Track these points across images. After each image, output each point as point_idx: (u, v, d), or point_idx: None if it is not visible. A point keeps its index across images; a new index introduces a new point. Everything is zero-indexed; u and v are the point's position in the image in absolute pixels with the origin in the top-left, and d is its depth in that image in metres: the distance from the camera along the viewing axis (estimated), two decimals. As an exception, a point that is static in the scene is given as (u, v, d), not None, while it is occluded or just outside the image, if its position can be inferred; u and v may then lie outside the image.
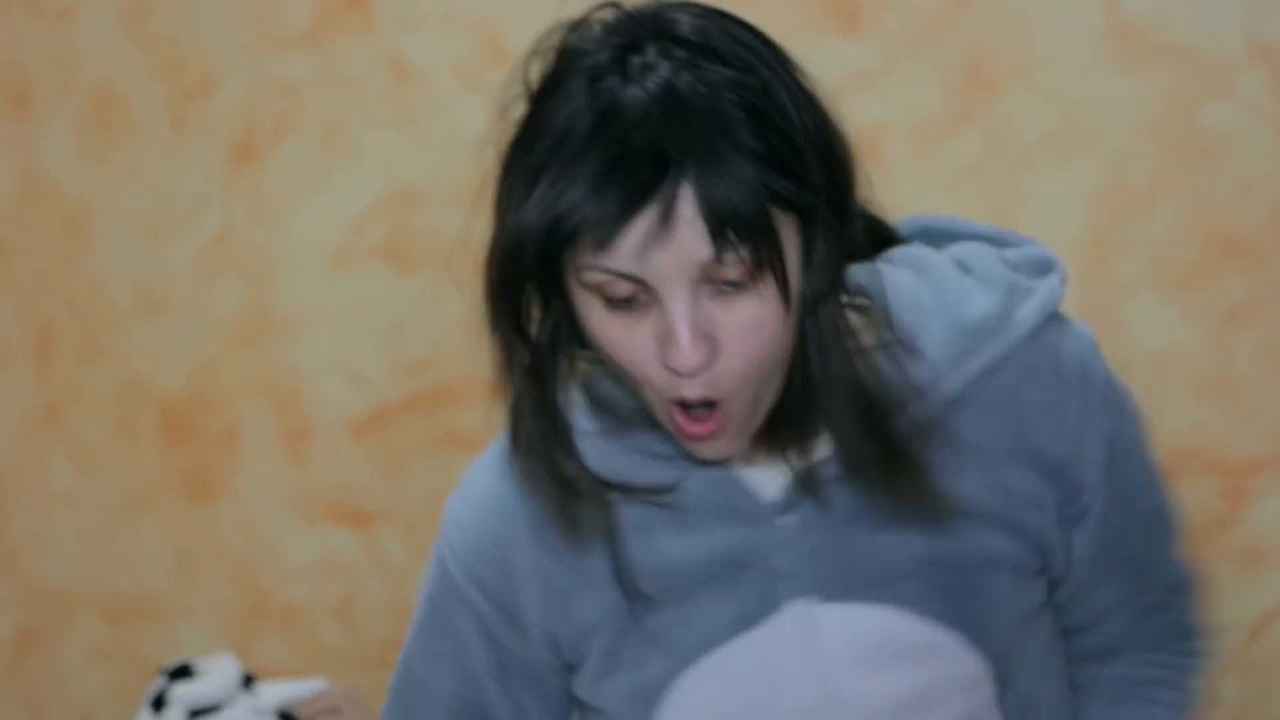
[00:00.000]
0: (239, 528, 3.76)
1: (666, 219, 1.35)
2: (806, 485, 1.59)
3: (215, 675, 3.44)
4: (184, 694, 3.42)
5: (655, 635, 1.65)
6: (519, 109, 1.46)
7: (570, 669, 1.73)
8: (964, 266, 1.61)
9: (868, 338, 1.55)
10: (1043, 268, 1.63)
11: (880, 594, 1.62)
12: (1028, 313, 1.60)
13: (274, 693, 3.44)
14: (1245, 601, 3.31)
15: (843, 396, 1.54)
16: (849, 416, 1.54)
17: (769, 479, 1.60)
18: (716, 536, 1.60)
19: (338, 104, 3.61)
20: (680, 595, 1.63)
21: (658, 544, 1.60)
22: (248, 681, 3.46)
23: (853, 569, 1.62)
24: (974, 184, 3.45)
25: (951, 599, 1.64)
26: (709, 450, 1.53)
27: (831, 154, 1.45)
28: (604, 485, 1.59)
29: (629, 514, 1.60)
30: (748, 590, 1.62)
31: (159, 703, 3.42)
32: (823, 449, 1.59)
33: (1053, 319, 1.61)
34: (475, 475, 1.75)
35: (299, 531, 3.76)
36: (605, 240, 1.37)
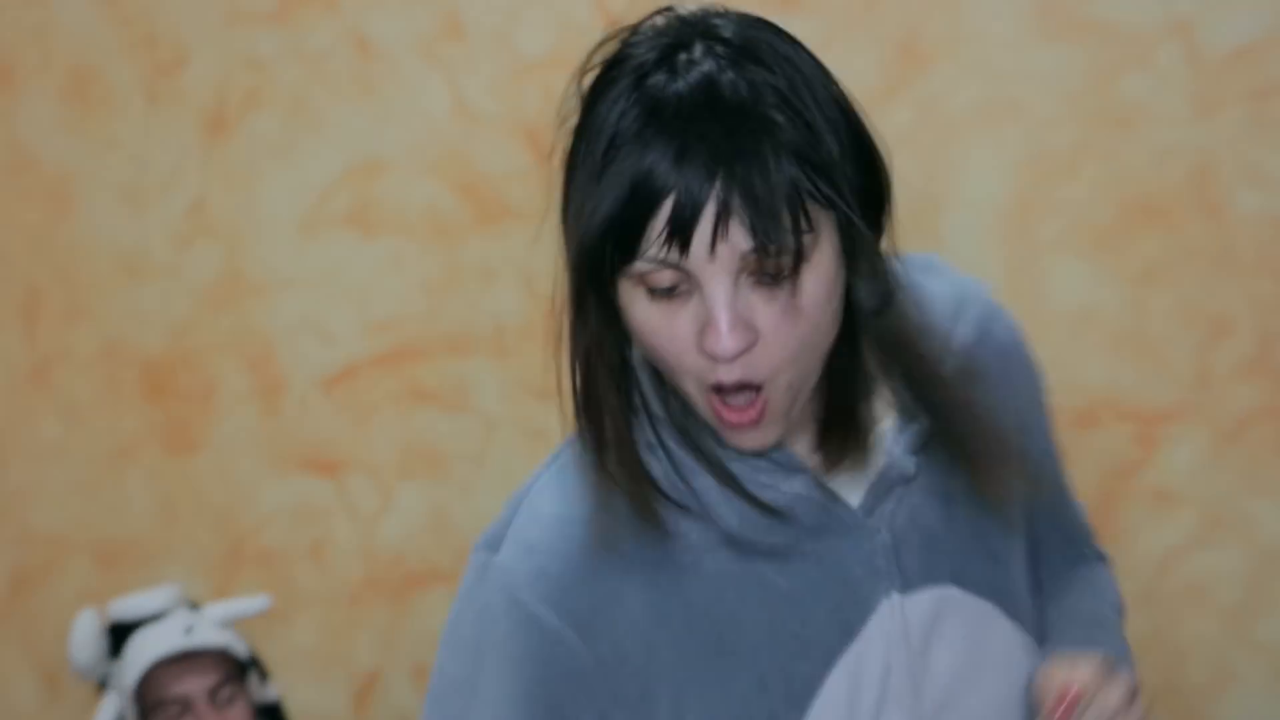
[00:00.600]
0: (218, 477, 3.73)
1: (725, 214, 1.35)
2: (884, 486, 1.58)
3: (159, 596, 3.31)
4: (125, 606, 3.30)
5: (767, 637, 1.59)
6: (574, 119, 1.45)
7: None
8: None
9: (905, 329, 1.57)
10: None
11: (944, 574, 1.62)
12: (978, 301, 1.67)
13: (218, 609, 3.32)
14: (1154, 539, 3.32)
15: (908, 371, 1.57)
16: (917, 387, 1.57)
17: (846, 487, 1.58)
18: (805, 537, 1.58)
19: (304, 79, 3.56)
20: (779, 583, 1.59)
21: (754, 546, 1.56)
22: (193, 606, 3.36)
23: (925, 557, 1.61)
24: (906, 153, 3.37)
25: (987, 562, 1.66)
26: (749, 440, 1.49)
27: (865, 159, 1.44)
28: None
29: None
30: (839, 587, 1.60)
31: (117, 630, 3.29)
32: (882, 456, 1.58)
33: (998, 310, 1.66)
34: (541, 507, 1.65)
35: (273, 480, 3.73)
36: (644, 238, 1.37)
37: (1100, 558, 1.91)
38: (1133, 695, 1.61)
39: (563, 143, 1.46)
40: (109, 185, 3.79)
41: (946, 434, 1.57)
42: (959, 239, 3.55)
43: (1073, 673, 1.57)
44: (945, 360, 1.58)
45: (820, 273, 1.38)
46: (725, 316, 1.34)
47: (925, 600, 1.57)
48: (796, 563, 1.53)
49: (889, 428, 1.57)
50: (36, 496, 3.86)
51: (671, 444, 1.51)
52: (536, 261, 1.61)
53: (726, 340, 1.34)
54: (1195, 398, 3.40)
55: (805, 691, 1.53)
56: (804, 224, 1.34)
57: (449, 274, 3.66)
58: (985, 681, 1.65)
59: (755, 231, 1.32)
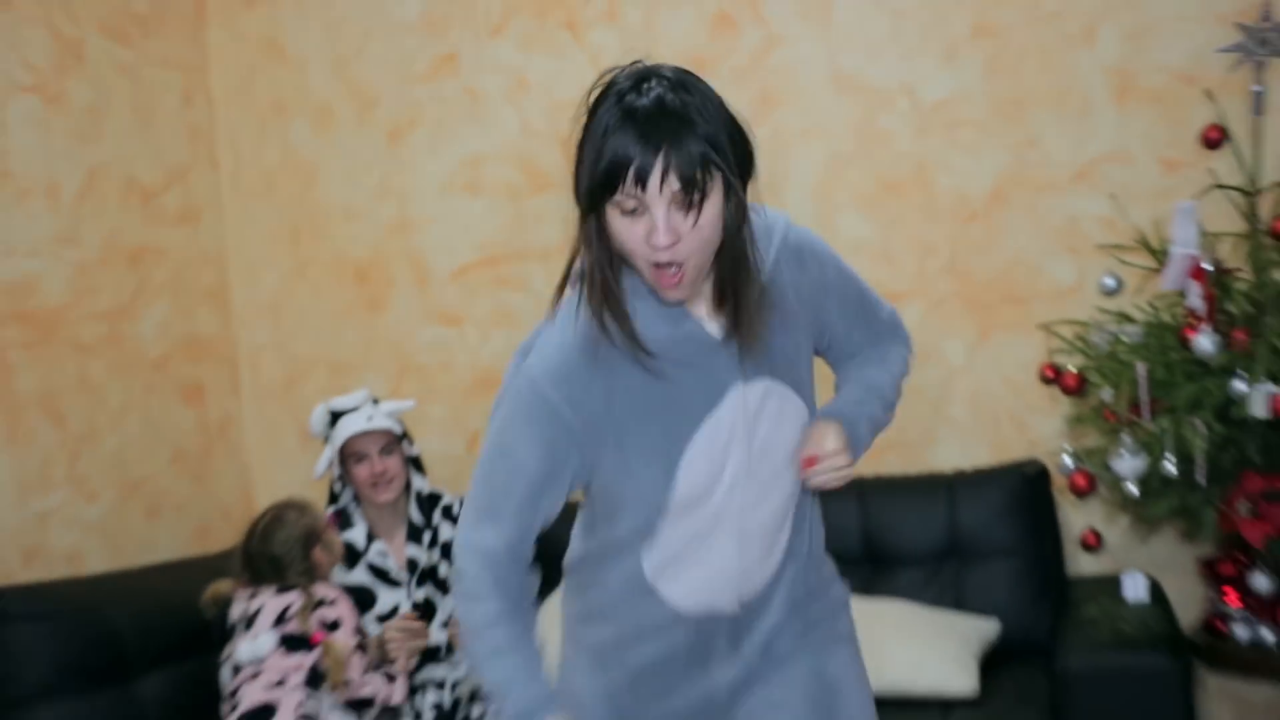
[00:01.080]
0: (394, 326, 4.73)
1: (664, 170, 1.73)
2: (735, 327, 1.95)
3: (356, 396, 3.90)
4: (337, 402, 3.90)
5: (669, 406, 1.94)
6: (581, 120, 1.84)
7: (595, 466, 1.98)
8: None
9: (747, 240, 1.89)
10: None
11: (764, 371, 1.99)
12: (781, 227, 2.05)
13: (387, 405, 3.89)
14: None
15: (740, 265, 1.89)
16: (745, 290, 1.90)
17: (715, 327, 1.97)
18: (693, 354, 1.94)
19: (442, 111, 4.65)
20: (679, 378, 1.94)
21: (667, 357, 1.92)
22: (376, 401, 3.92)
23: (753, 361, 1.98)
24: (765, 153, 4.15)
25: (792, 369, 2.02)
26: (674, 295, 1.86)
27: (742, 148, 1.83)
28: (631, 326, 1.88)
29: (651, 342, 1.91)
30: (709, 381, 1.96)
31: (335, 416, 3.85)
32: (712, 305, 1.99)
33: (789, 226, 2.08)
34: (550, 336, 1.95)
35: (424, 327, 4.67)
36: (619, 181, 1.74)
37: (900, 340, 2.23)
38: (850, 450, 2.02)
39: (575, 134, 1.84)
40: (335, 167, 4.82)
41: (743, 329, 1.93)
42: (793, 201, 4.38)
43: (820, 442, 2.01)
44: (758, 261, 1.91)
45: (713, 205, 1.78)
46: (663, 225, 1.74)
47: (757, 387, 1.97)
48: (685, 367, 1.92)
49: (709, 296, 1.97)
50: (298, 334, 4.86)
51: (630, 303, 1.87)
52: (565, 210, 1.96)
53: (663, 238, 1.74)
54: (916, 286, 4.29)
55: (687, 435, 1.94)
56: (706, 178, 1.74)
57: (518, 217, 4.55)
58: (786, 435, 2.04)
59: (681, 181, 1.71)
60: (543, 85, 4.58)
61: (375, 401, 3.84)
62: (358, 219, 4.86)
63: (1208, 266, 3.43)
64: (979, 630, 3.82)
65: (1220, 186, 3.56)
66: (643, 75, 1.79)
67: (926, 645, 3.68)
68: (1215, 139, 3.54)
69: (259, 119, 4.93)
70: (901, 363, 2.23)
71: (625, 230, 1.78)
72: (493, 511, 1.98)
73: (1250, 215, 3.54)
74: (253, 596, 3.54)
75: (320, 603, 3.51)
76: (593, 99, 1.80)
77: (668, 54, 3.70)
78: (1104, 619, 3.53)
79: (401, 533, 3.87)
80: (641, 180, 1.73)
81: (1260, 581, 3.50)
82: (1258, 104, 3.51)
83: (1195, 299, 3.41)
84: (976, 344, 4.32)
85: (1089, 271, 4.08)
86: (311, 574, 3.56)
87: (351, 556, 3.79)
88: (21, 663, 3.50)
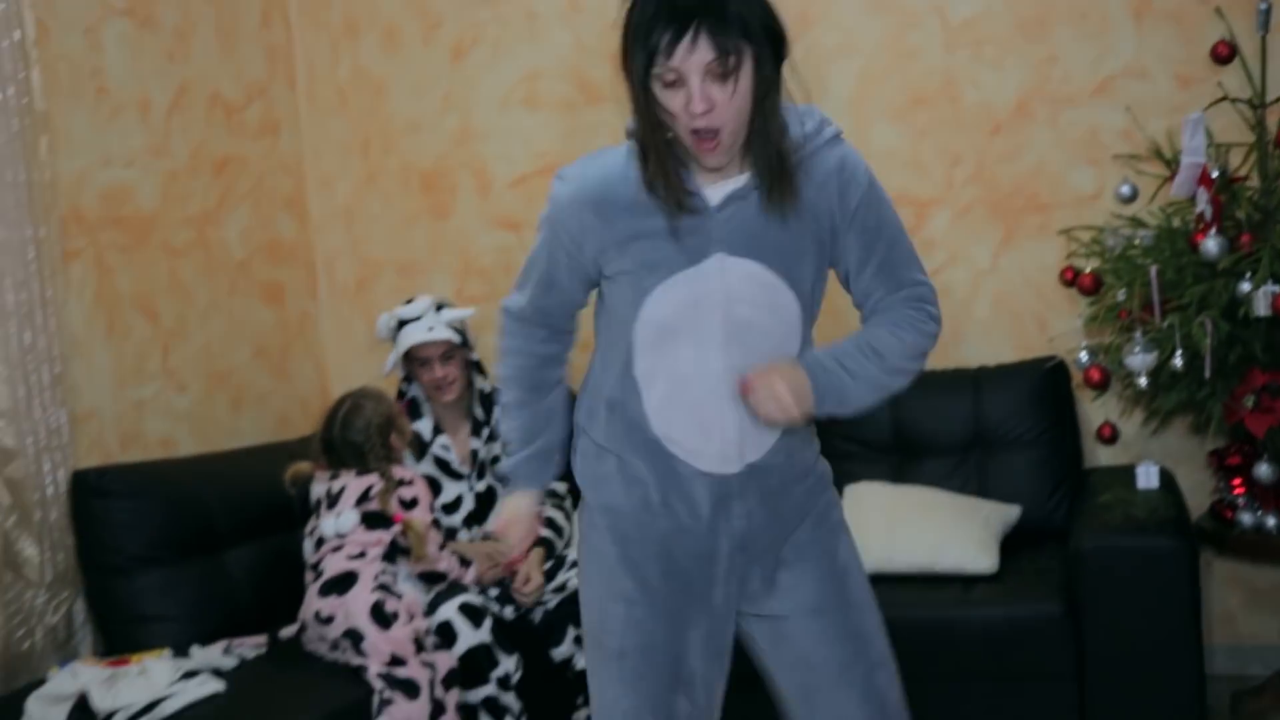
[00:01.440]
0: (458, 231, 4.78)
1: (694, 44, 1.81)
2: (734, 196, 1.99)
3: (420, 304, 3.86)
4: (402, 310, 3.88)
5: (651, 259, 2.01)
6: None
7: (601, 274, 2.11)
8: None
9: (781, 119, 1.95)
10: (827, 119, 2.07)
11: (757, 255, 2.02)
12: (829, 132, 2.05)
13: (448, 313, 3.83)
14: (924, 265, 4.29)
15: (771, 140, 1.92)
16: (772, 151, 1.93)
17: (715, 192, 2.00)
18: (685, 216, 1.99)
19: (502, 32, 4.66)
20: (665, 238, 2.00)
21: (668, 209, 1.98)
22: (439, 307, 3.85)
23: (747, 241, 2.01)
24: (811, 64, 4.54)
25: (787, 263, 2.03)
26: (712, 159, 1.93)
27: (773, 27, 1.88)
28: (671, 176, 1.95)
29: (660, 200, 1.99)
30: (694, 244, 2.00)
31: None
32: (747, 179, 1.99)
33: (840, 139, 2.07)
34: (594, 159, 2.07)
35: (486, 232, 4.73)
36: (667, 54, 1.82)
37: (921, 312, 2.13)
38: (796, 391, 2.00)
39: (619, 22, 1.91)
40: (403, 83, 4.84)
41: (774, 179, 1.94)
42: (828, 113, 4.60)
43: (768, 374, 2.01)
44: (788, 139, 1.95)
45: (744, 77, 1.84)
46: (698, 94, 1.82)
47: (739, 263, 2.01)
48: (680, 228, 2.00)
49: (748, 171, 1.98)
50: (369, 238, 4.92)
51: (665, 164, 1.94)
52: (615, 122, 2.12)
53: (698, 104, 1.82)
54: (943, 194, 4.34)
55: (660, 279, 2.02)
56: (738, 52, 1.81)
57: (573, 129, 4.59)
58: (770, 321, 2.05)
59: (714, 51, 1.80)
60: (595, 6, 4.58)
61: (439, 308, 3.83)
62: (423, 131, 4.89)
63: (1215, 174, 3.44)
64: (1000, 514, 3.87)
65: (1229, 99, 3.57)
66: None
67: (950, 527, 3.74)
68: (1225, 54, 3.55)
69: (332, 38, 4.96)
70: (915, 332, 2.12)
71: (667, 100, 1.86)
72: (520, 285, 2.21)
73: (1257, 126, 3.55)
74: (334, 478, 3.61)
75: (400, 483, 3.57)
76: None
77: None
78: (1117, 505, 3.57)
79: (465, 428, 3.91)
80: (675, 52, 1.80)
81: (1263, 471, 3.55)
82: (1264, 21, 3.51)
83: (1204, 205, 3.42)
84: (1001, 248, 4.34)
85: (1107, 180, 4.08)
86: (390, 458, 3.61)
87: (419, 448, 3.84)
88: (122, 535, 3.58)
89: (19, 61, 3.54)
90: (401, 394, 3.89)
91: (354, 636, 3.32)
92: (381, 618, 3.32)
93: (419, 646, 3.33)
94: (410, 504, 3.56)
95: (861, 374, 2.06)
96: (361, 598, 3.34)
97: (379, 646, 3.28)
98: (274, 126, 4.85)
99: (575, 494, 2.40)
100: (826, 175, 2.01)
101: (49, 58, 3.81)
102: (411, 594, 3.44)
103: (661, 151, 1.94)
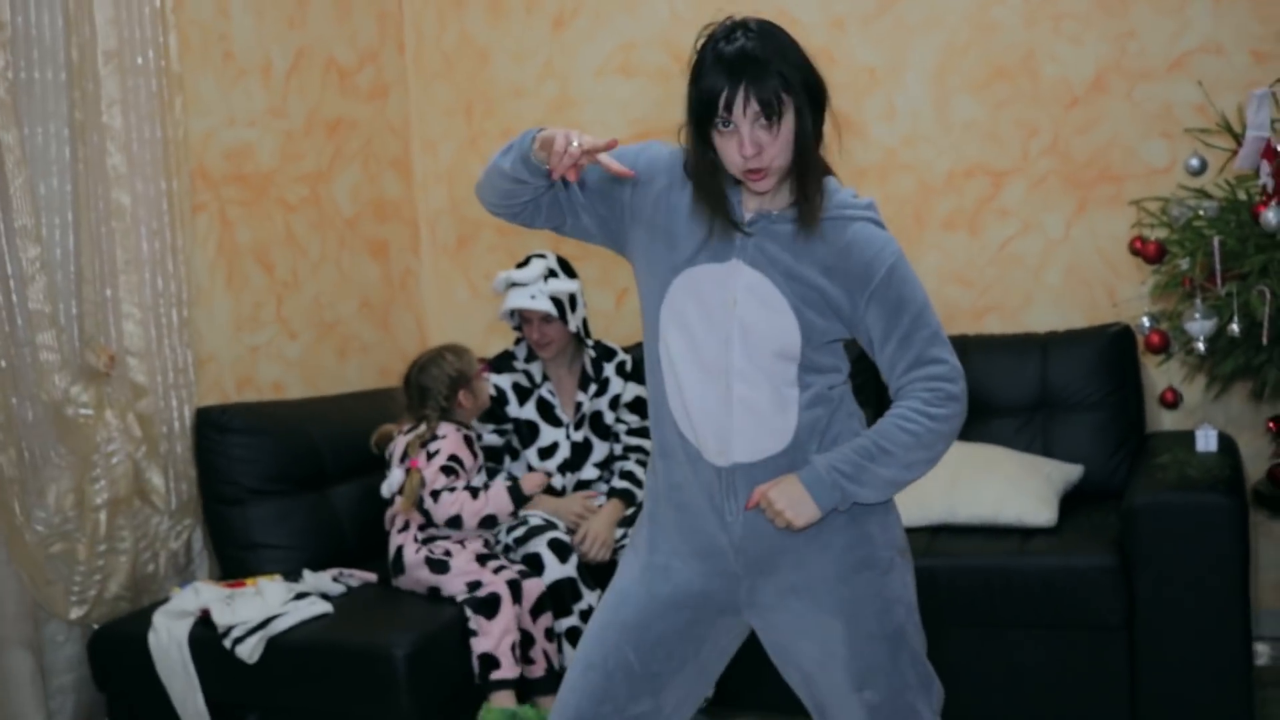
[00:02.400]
0: None
1: (746, 99, 1.99)
2: (765, 218, 2.14)
3: (533, 269, 3.89)
4: (511, 274, 3.92)
5: (679, 251, 2.15)
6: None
7: (625, 236, 2.22)
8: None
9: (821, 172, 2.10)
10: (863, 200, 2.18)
11: (768, 273, 2.13)
12: (865, 203, 2.18)
13: (553, 284, 3.88)
14: (998, 232, 4.41)
15: (809, 178, 2.08)
16: (810, 187, 2.09)
17: (751, 212, 2.16)
18: (718, 224, 2.13)
19: (601, 2, 4.76)
20: (697, 238, 2.14)
21: (706, 219, 2.11)
22: (550, 275, 3.91)
23: (766, 257, 2.12)
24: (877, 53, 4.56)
25: (796, 292, 2.12)
26: (760, 187, 2.08)
27: (812, 83, 2.05)
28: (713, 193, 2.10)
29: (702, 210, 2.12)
30: (719, 247, 2.14)
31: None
32: (783, 207, 2.13)
33: (874, 218, 2.18)
34: (661, 149, 2.22)
35: None
36: (715, 105, 2.01)
37: (934, 378, 2.12)
38: (792, 505, 2.07)
39: (687, 73, 2.08)
40: (505, 51, 4.95)
41: (805, 219, 2.10)
42: (912, 84, 4.47)
43: (772, 490, 2.09)
44: (824, 181, 2.11)
45: (787, 126, 2.01)
46: (748, 140, 2.00)
47: (752, 274, 2.12)
48: (713, 233, 2.13)
49: (784, 202, 2.13)
50: (470, 199, 4.79)
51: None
52: None
53: (748, 149, 2.01)
54: (1020, 165, 4.42)
55: (686, 264, 2.15)
56: (780, 105, 1.99)
57: (666, 96, 4.10)
58: (769, 333, 2.13)
59: (760, 105, 1.98)
60: None
61: (549, 277, 3.91)
62: (524, 97, 4.99)
63: (1279, 148, 3.47)
64: (1062, 472, 3.95)
65: None
66: (734, 27, 2.04)
67: (1013, 483, 3.82)
68: None
69: (439, 7, 5.04)
70: (925, 420, 2.10)
71: (722, 144, 2.04)
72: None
73: None
74: (394, 438, 3.79)
75: (434, 437, 3.69)
76: (699, 45, 2.06)
77: None
78: (1173, 465, 3.61)
79: (573, 380, 4.02)
80: (729, 106, 1.99)
81: None
82: None
83: (1266, 178, 3.46)
84: (1073, 218, 4.41)
85: (1179, 153, 4.15)
86: (448, 412, 3.74)
87: (523, 392, 3.97)
88: (239, 468, 3.78)
89: (158, 26, 3.70)
90: (519, 339, 4.01)
91: (431, 589, 3.56)
92: (438, 566, 3.55)
93: (488, 556, 3.54)
94: (432, 455, 3.66)
95: (868, 480, 2.10)
96: (415, 561, 3.56)
97: (449, 585, 3.50)
98: (383, 90, 4.96)
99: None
100: (853, 242, 2.12)
101: (183, 23, 3.95)
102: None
103: (713, 174, 2.09)
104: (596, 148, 1.99)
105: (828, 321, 2.12)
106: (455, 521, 3.61)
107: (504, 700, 3.41)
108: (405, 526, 3.65)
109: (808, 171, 2.07)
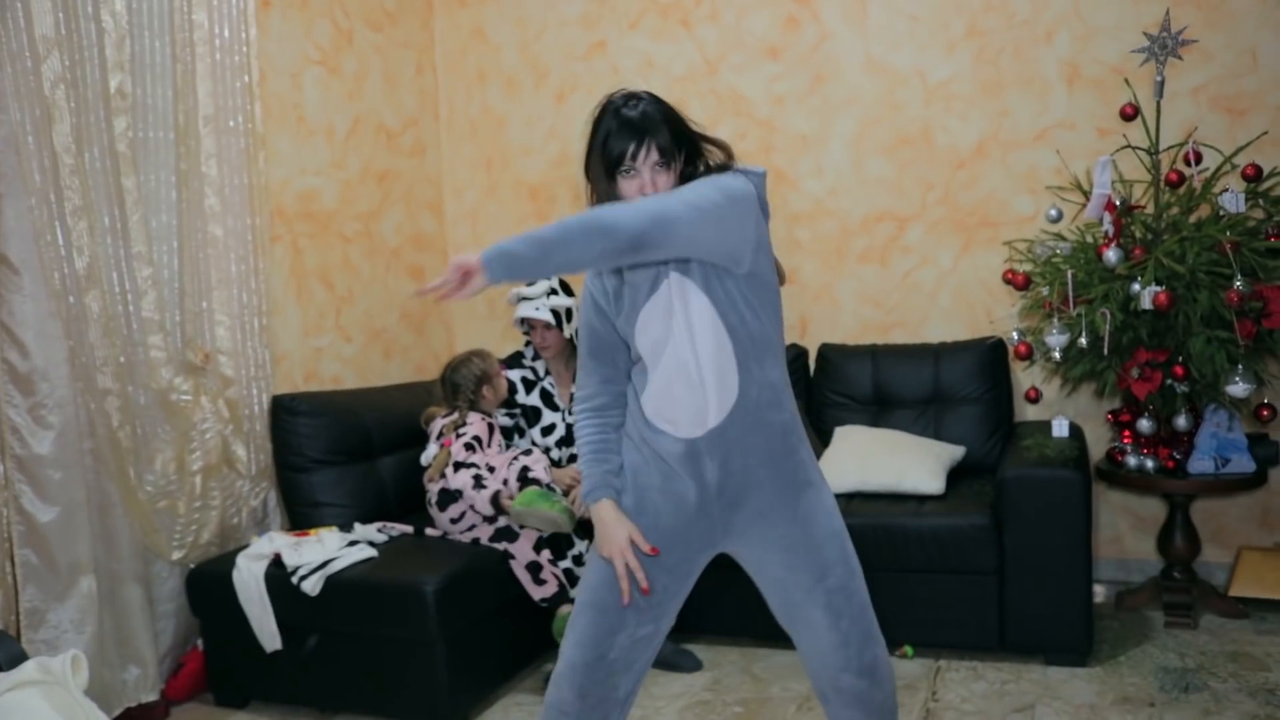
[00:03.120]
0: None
1: (645, 151, 1.96)
2: None
3: (538, 287, 3.72)
4: (524, 290, 3.76)
5: (634, 291, 2.03)
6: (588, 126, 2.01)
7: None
8: None
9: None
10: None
11: (684, 272, 2.00)
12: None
13: (554, 299, 3.71)
14: (900, 265, 4.26)
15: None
16: None
17: None
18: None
19: (608, 76, 4.58)
20: (635, 274, 2.03)
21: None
22: (552, 292, 3.73)
23: (681, 265, 2.01)
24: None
25: (703, 278, 2.00)
26: None
27: (690, 138, 2.01)
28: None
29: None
30: (650, 275, 2.02)
31: None
32: None
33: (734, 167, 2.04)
34: (586, 294, 2.11)
35: None
36: (624, 158, 1.96)
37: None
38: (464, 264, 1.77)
39: (587, 133, 1.99)
40: (518, 118, 4.81)
41: None
42: (836, 149, 4.37)
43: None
44: None
45: (675, 170, 1.98)
46: (649, 182, 1.96)
47: (679, 279, 2.00)
48: (638, 269, 2.01)
49: None
50: (489, 234, 4.82)
51: None
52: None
53: (648, 189, 1.96)
54: (919, 212, 4.34)
55: (639, 307, 2.03)
56: (672, 154, 1.96)
57: None
58: (700, 313, 2.01)
59: (658, 154, 1.95)
60: (664, 65, 4.64)
61: (552, 293, 3.77)
62: (532, 155, 4.89)
63: (1118, 203, 3.51)
64: (949, 452, 3.92)
65: (1132, 147, 3.63)
66: (630, 96, 2.00)
67: (911, 459, 3.80)
68: (1131, 114, 3.59)
69: (467, 84, 4.94)
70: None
71: (625, 187, 1.97)
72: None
73: (1153, 169, 3.60)
74: (435, 419, 3.73)
75: (463, 424, 3.62)
76: (603, 110, 2.00)
77: (751, 43, 3.89)
78: (1035, 447, 3.60)
79: (569, 375, 3.88)
80: (635, 156, 1.95)
81: (1144, 425, 3.62)
82: (1159, 90, 3.57)
83: (1108, 225, 3.49)
84: (960, 254, 4.37)
85: (1041, 205, 4.15)
86: (475, 404, 3.67)
87: (529, 384, 3.85)
88: (306, 443, 3.73)
89: (247, 97, 3.68)
90: (528, 342, 3.90)
91: (455, 519, 3.49)
92: (446, 497, 3.50)
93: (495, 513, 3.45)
94: (460, 437, 3.58)
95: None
96: (461, 481, 3.48)
97: (470, 508, 3.43)
98: (422, 149, 4.88)
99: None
100: None
101: (266, 95, 3.93)
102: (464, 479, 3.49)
103: None
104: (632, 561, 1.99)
105: (727, 285, 1.99)
106: (457, 494, 3.49)
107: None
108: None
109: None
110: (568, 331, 3.78)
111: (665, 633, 2.17)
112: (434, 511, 3.54)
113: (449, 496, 3.48)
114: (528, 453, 3.58)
